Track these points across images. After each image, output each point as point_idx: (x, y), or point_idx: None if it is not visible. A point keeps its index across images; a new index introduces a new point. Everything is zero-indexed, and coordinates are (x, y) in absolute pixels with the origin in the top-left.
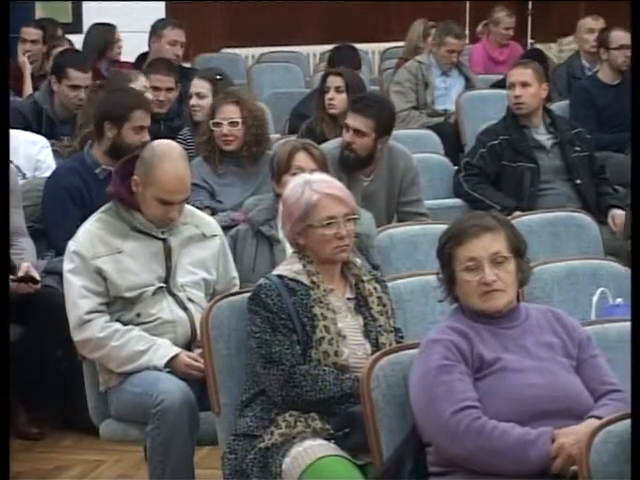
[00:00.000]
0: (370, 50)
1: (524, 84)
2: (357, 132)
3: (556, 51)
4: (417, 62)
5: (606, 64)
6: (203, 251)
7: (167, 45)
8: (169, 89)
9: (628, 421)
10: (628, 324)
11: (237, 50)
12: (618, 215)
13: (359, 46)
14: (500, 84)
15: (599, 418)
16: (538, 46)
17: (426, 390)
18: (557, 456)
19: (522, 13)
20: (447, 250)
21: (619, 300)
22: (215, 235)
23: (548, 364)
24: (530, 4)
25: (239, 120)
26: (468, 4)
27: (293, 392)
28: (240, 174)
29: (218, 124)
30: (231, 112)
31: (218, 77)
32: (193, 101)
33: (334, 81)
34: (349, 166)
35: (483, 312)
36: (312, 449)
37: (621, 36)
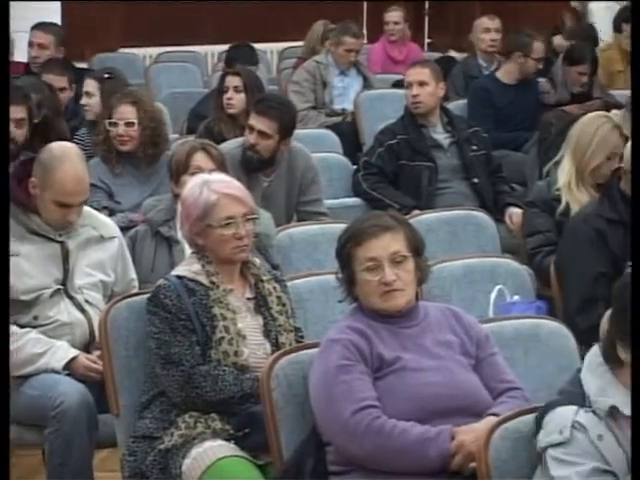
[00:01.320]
0: (268, 50)
1: (421, 83)
2: (261, 134)
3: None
4: (315, 62)
5: (516, 68)
6: (101, 253)
7: (29, 47)
8: (62, 89)
9: (526, 417)
10: (525, 321)
11: (135, 50)
12: (515, 213)
13: (258, 46)
14: (400, 84)
15: (497, 416)
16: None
17: (326, 390)
18: (456, 453)
19: (419, 13)
20: (347, 250)
21: (516, 297)
22: (113, 237)
23: (447, 363)
24: (427, 4)
25: (135, 121)
26: (365, 4)
27: (193, 393)
28: (138, 175)
29: (114, 124)
30: (127, 112)
31: (106, 76)
32: (83, 100)
33: (232, 81)
34: (252, 167)
35: (384, 311)
36: (212, 450)
37: (541, 49)
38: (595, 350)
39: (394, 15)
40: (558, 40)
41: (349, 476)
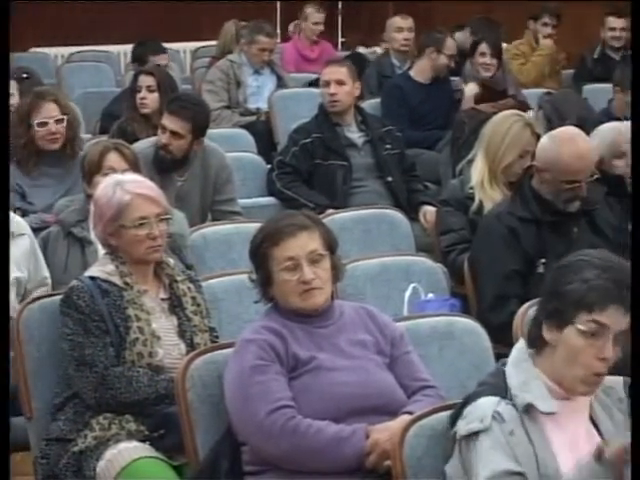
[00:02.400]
0: (182, 49)
1: (339, 82)
2: (174, 134)
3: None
4: (229, 61)
5: (428, 64)
6: (13, 250)
7: None
8: None
9: (440, 415)
10: (439, 319)
11: (46, 49)
12: (429, 211)
13: (171, 45)
14: (316, 83)
15: (412, 414)
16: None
17: (241, 390)
18: (371, 452)
19: (332, 12)
20: (263, 250)
21: (430, 295)
22: (23, 234)
23: (361, 362)
24: (340, 4)
25: (63, 117)
26: (279, 4)
27: (107, 394)
28: (52, 175)
29: (43, 123)
30: (53, 110)
31: (25, 76)
32: None
33: (146, 80)
34: (164, 167)
35: (302, 311)
36: (127, 451)
37: (453, 46)
38: (521, 345)
39: (311, 14)
40: (460, 36)
41: (265, 476)
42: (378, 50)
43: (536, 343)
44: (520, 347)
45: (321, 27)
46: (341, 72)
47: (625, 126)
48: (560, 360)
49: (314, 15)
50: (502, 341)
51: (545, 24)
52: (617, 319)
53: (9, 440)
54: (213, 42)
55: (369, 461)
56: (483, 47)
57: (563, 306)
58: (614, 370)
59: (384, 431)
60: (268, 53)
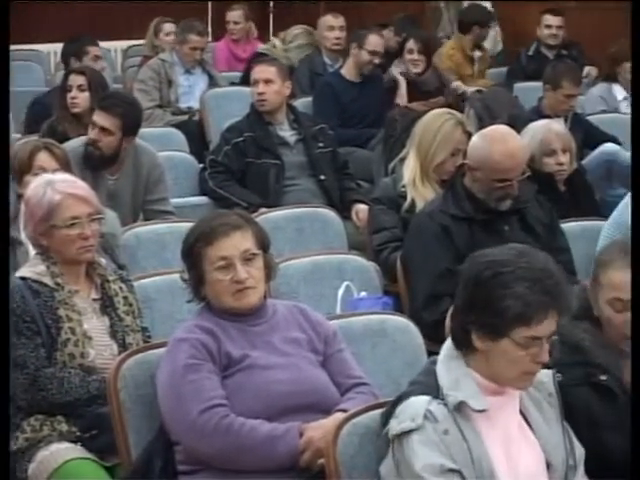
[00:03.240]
0: (113, 48)
1: (267, 81)
2: (103, 130)
3: (281, 50)
4: (160, 60)
5: (353, 61)
6: None
7: None
8: None
9: (373, 412)
10: (372, 317)
11: None
12: (362, 210)
13: (102, 44)
14: (244, 80)
15: (345, 411)
16: (262, 47)
17: (173, 389)
18: (305, 450)
19: (264, 12)
20: (196, 250)
21: (363, 293)
22: None
23: (295, 360)
24: (271, 3)
25: None
26: (210, 3)
27: (39, 396)
28: None
29: None
30: None
31: None
32: None
33: (76, 80)
34: (93, 164)
35: (236, 310)
36: (59, 452)
37: (376, 42)
38: (450, 344)
39: (234, 15)
40: (386, 34)
41: (198, 475)
42: None
43: (465, 347)
44: (449, 346)
45: (241, 26)
46: (270, 71)
47: (556, 124)
48: (495, 364)
49: (232, 14)
50: (435, 339)
51: (489, 28)
52: (552, 325)
53: (9, 440)
54: (144, 41)
55: (303, 459)
56: (410, 44)
57: (499, 322)
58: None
59: (318, 429)
60: (199, 52)
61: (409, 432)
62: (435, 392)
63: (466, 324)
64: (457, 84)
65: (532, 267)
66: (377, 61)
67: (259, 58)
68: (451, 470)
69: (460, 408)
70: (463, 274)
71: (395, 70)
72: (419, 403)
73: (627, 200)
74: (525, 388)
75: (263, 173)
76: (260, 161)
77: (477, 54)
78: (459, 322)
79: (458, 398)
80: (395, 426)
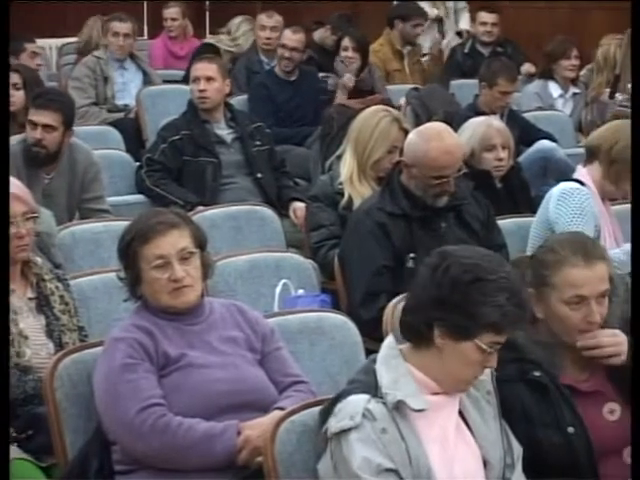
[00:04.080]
0: (47, 46)
1: (209, 79)
2: (46, 127)
3: (229, 41)
4: (95, 57)
5: (278, 59)
6: None
7: None
8: None
9: (311, 410)
10: (310, 314)
11: None
12: (299, 207)
13: (37, 42)
14: (182, 79)
15: (283, 409)
16: (210, 39)
17: (110, 389)
18: (243, 449)
19: (200, 9)
20: (132, 249)
21: (301, 291)
22: None
23: (232, 359)
24: (207, 1)
25: None
26: (145, 2)
27: None
28: None
29: None
30: None
31: None
32: None
33: (11, 77)
34: (38, 163)
35: (173, 309)
36: None
37: (290, 37)
38: (390, 342)
39: (172, 12)
40: (320, 34)
41: (135, 475)
42: None
43: (420, 340)
44: (389, 344)
45: (178, 23)
46: (211, 69)
47: (496, 120)
48: (449, 364)
49: (168, 11)
50: (372, 336)
51: (416, 25)
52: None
53: (9, 439)
54: (78, 39)
55: (241, 458)
56: (346, 41)
57: (470, 325)
58: None
59: (256, 427)
60: (123, 38)
61: (348, 430)
62: (374, 391)
63: (430, 319)
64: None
65: (511, 279)
66: (287, 55)
67: (200, 56)
68: (388, 470)
69: (399, 407)
70: (430, 269)
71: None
72: (358, 402)
73: (548, 197)
74: (465, 391)
75: (200, 171)
76: (197, 159)
77: (407, 49)
78: (422, 316)
79: (397, 397)
80: (334, 424)
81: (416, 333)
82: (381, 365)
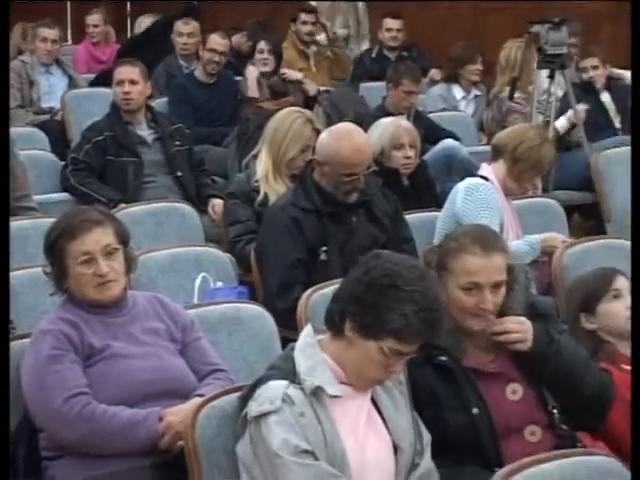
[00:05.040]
0: None
1: (132, 81)
2: None
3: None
4: (21, 61)
5: (202, 63)
6: None
7: None
8: None
9: (230, 396)
10: (228, 306)
11: None
12: (217, 204)
13: None
14: (102, 81)
15: (203, 396)
16: None
17: (37, 379)
18: (165, 433)
19: (122, 15)
20: (59, 245)
21: (219, 284)
22: None
23: (154, 349)
24: (129, 5)
25: None
26: (69, 6)
27: None
28: None
29: None
30: None
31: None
32: None
33: None
34: None
35: (98, 302)
36: None
37: (216, 41)
38: (308, 331)
39: (94, 18)
40: (237, 39)
41: (62, 461)
42: None
43: (334, 328)
44: (307, 333)
45: (100, 29)
46: (134, 72)
47: (404, 120)
48: (355, 356)
49: (90, 18)
50: (287, 325)
51: (304, 22)
52: (415, 347)
53: (9, 438)
54: None
55: (163, 442)
56: (262, 45)
57: (376, 326)
58: None
59: (177, 413)
60: (51, 44)
61: (268, 414)
62: (292, 377)
63: (344, 311)
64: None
65: (426, 295)
66: (217, 59)
67: (121, 59)
68: (305, 451)
69: (316, 393)
70: (360, 266)
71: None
72: (278, 387)
73: (454, 191)
74: (365, 390)
75: (122, 170)
76: (119, 159)
77: (312, 49)
78: (339, 306)
79: (315, 383)
80: (254, 408)
81: (332, 321)
82: (299, 353)
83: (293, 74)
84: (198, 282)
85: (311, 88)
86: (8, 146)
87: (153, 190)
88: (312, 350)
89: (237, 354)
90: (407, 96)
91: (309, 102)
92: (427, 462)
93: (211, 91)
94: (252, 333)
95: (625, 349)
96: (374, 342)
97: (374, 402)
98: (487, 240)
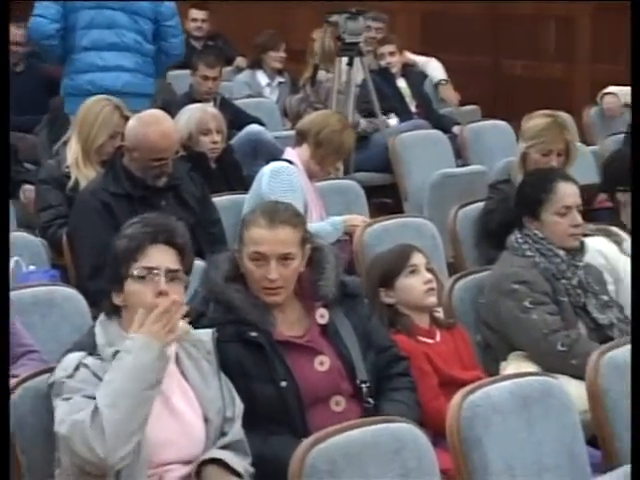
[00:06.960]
0: None
1: None
2: None
3: None
4: None
5: None
6: None
7: None
8: None
9: (43, 377)
10: (41, 289)
11: None
12: (28, 189)
13: None
14: None
15: (17, 377)
16: None
17: None
18: None
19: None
20: None
21: (32, 267)
22: None
23: None
24: None
25: None
26: None
27: None
28: None
29: None
30: None
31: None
32: None
33: None
34: None
35: None
36: None
37: (18, 33)
38: (102, 317)
39: None
40: None
41: None
42: None
43: (113, 312)
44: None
45: None
46: None
47: (210, 107)
48: (132, 312)
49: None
50: (99, 306)
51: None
52: (162, 258)
53: (9, 437)
54: None
55: None
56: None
57: (117, 266)
58: None
59: None
60: None
61: (62, 381)
62: (92, 349)
63: (104, 290)
64: None
65: (149, 220)
66: (14, 49)
67: None
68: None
69: (116, 356)
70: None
71: None
72: (74, 357)
73: (260, 174)
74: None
75: None
76: None
77: None
78: (102, 292)
79: (113, 350)
80: (51, 377)
81: (107, 308)
82: (99, 327)
83: None
84: (12, 266)
85: None
86: (8, 144)
87: None
88: (107, 323)
89: (51, 335)
90: (203, 80)
91: None
92: (237, 430)
93: (21, 80)
94: (65, 314)
95: (421, 322)
96: (130, 279)
97: (183, 375)
98: (275, 213)
